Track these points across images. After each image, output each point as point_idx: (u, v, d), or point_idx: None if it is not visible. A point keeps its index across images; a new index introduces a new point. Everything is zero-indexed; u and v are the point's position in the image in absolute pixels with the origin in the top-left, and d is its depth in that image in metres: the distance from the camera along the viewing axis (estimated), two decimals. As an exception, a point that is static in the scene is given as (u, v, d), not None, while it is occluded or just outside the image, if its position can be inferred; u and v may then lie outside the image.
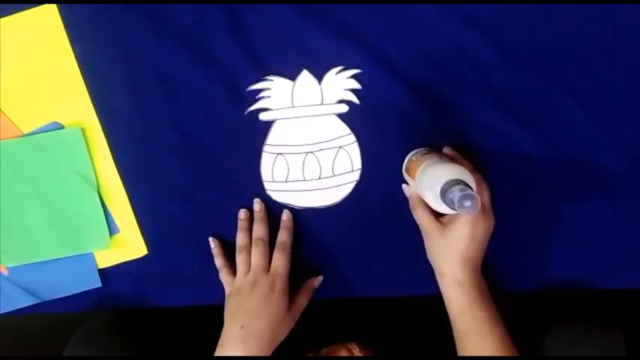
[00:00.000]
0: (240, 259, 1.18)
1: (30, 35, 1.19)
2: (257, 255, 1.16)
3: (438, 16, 1.16)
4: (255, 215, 1.19)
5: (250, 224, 1.20)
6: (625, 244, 1.17)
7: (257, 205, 1.19)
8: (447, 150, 1.13)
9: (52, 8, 1.18)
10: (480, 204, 0.90)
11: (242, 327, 1.09)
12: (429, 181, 0.98)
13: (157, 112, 1.20)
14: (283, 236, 1.18)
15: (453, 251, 1.04)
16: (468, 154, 1.15)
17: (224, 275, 1.19)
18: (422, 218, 1.08)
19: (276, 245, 1.18)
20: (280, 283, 1.14)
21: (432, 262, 1.09)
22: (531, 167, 1.16)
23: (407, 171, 1.12)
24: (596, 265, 1.18)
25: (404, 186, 1.15)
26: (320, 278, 1.21)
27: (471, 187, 0.92)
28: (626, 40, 1.15)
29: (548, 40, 1.15)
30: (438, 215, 1.07)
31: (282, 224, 1.20)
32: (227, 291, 1.17)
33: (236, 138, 1.19)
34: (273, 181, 1.19)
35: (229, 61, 1.19)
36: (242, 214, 1.20)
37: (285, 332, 1.13)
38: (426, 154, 1.09)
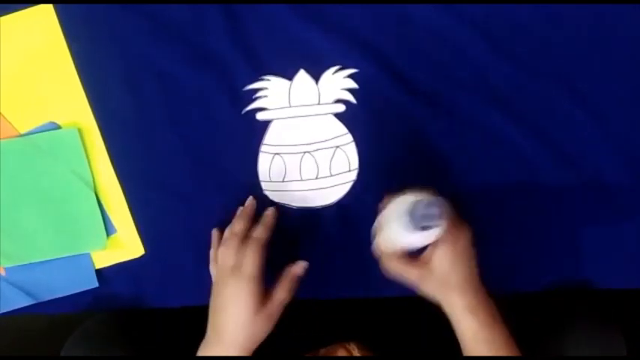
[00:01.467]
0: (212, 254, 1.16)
1: (26, 35, 1.19)
2: (226, 252, 1.10)
3: (435, 16, 1.16)
4: (241, 210, 1.17)
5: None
6: (625, 245, 1.17)
7: (249, 201, 1.18)
8: None
9: (49, 8, 1.18)
10: (444, 212, 0.89)
11: (214, 330, 1.06)
12: (396, 212, 0.95)
13: (154, 111, 1.20)
14: (259, 231, 1.11)
15: (447, 281, 1.01)
16: (467, 154, 1.16)
17: (211, 268, 1.16)
18: (404, 272, 1.04)
19: (250, 240, 1.10)
20: (250, 282, 1.05)
21: (436, 299, 1.04)
22: (530, 167, 1.16)
23: (375, 232, 1.08)
24: (597, 265, 1.17)
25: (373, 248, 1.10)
26: (302, 264, 1.11)
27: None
28: (625, 40, 1.15)
29: (547, 40, 1.16)
30: (413, 259, 1.04)
31: (262, 219, 1.14)
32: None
33: (233, 138, 1.19)
34: (270, 181, 1.19)
35: (226, 60, 1.18)
36: (238, 210, 1.17)
37: (260, 332, 1.05)
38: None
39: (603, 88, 1.15)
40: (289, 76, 1.18)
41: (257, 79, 1.17)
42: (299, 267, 1.11)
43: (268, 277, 1.18)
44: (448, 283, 1.01)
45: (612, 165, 1.15)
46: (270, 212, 1.15)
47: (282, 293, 1.08)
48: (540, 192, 1.16)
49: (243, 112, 1.18)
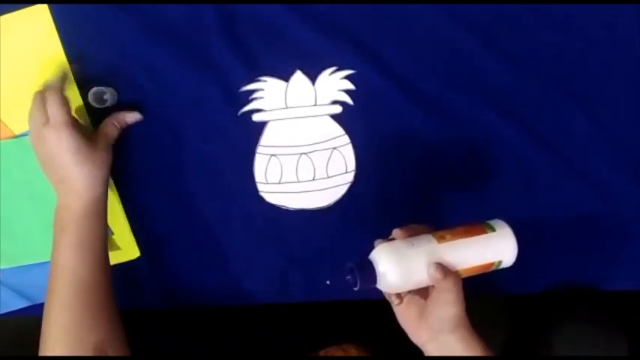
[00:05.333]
0: None
1: (21, 36, 1.18)
2: (34, 111, 1.09)
3: (433, 17, 1.16)
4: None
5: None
6: (625, 246, 1.17)
7: None
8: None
9: (44, 8, 1.18)
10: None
11: (54, 180, 1.10)
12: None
13: (150, 112, 1.19)
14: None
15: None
16: (465, 154, 1.16)
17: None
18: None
19: (47, 92, 1.09)
20: (64, 128, 1.06)
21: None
22: (530, 168, 1.17)
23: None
24: (597, 267, 1.17)
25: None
26: (136, 116, 1.17)
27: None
28: (625, 41, 1.15)
29: (546, 41, 1.16)
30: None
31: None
32: None
33: (229, 139, 1.18)
34: (267, 183, 1.18)
35: (222, 61, 1.18)
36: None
37: (102, 165, 1.10)
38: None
39: (603, 90, 1.15)
40: (285, 77, 1.17)
41: (253, 80, 1.17)
42: (131, 116, 1.17)
43: (258, 278, 1.19)
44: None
45: (612, 166, 1.16)
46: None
47: (111, 128, 1.14)
48: (540, 194, 1.17)
49: (239, 113, 1.17)
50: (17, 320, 1.25)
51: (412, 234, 0.96)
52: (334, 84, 1.17)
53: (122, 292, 1.21)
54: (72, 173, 1.06)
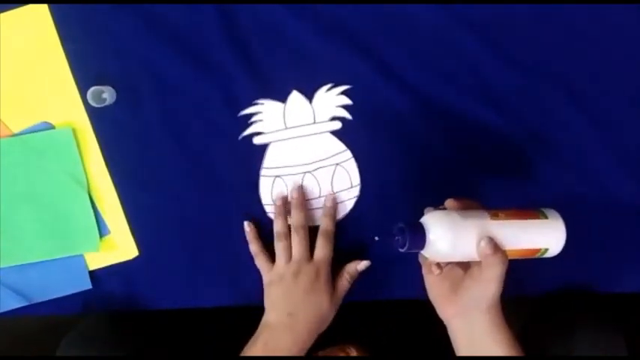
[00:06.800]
0: (280, 246, 1.15)
1: (20, 34, 1.18)
2: (299, 243, 1.13)
3: (433, 18, 1.15)
4: (294, 202, 1.16)
5: (288, 210, 1.17)
6: (625, 247, 1.17)
7: (295, 192, 1.17)
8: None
9: (43, 7, 1.17)
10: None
11: (289, 314, 1.10)
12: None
13: (148, 112, 1.19)
14: (326, 223, 1.16)
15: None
16: (466, 157, 1.16)
17: (261, 262, 1.16)
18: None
19: (320, 232, 1.15)
20: (324, 271, 1.13)
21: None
22: (531, 170, 1.17)
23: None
24: (597, 267, 1.18)
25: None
26: (365, 263, 1.17)
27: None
28: (625, 41, 1.14)
29: (547, 42, 1.15)
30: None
31: (325, 211, 1.17)
32: (266, 279, 1.16)
33: (231, 161, 1.19)
34: (274, 204, 1.18)
35: (225, 66, 1.18)
36: (279, 200, 1.17)
37: (329, 319, 1.13)
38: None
39: (603, 90, 1.15)
40: (282, 98, 1.17)
41: (250, 104, 1.17)
42: (362, 264, 1.16)
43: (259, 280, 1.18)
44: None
45: (612, 166, 1.16)
46: (331, 203, 1.18)
47: (345, 284, 1.15)
48: (540, 195, 1.16)
49: (240, 137, 1.17)
50: (12, 321, 1.25)
51: (465, 207, 0.96)
52: (331, 100, 1.16)
53: (119, 291, 1.23)
54: (312, 318, 1.11)
